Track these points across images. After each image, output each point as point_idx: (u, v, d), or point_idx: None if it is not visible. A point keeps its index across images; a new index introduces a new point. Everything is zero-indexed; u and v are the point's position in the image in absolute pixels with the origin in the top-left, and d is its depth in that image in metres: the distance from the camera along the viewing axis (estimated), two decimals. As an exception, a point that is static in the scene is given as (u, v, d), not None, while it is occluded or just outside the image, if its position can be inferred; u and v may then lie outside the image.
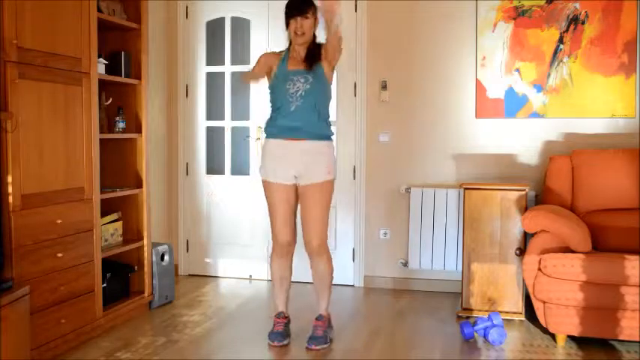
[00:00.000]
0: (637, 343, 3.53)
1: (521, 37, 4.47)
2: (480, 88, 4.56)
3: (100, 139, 3.70)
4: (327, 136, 3.49)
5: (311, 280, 3.67)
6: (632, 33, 4.28)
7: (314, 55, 3.40)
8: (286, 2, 3.41)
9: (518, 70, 4.49)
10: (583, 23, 4.36)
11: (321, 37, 3.43)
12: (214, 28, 5.14)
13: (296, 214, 3.54)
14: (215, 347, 3.56)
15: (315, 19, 3.38)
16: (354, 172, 4.84)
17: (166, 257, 4.34)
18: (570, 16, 4.38)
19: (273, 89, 3.48)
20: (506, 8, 4.48)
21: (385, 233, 4.81)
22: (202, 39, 5.15)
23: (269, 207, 3.51)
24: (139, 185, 4.12)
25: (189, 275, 5.22)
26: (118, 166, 4.11)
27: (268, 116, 3.53)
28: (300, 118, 3.38)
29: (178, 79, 5.19)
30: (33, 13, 3.11)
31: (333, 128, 4.74)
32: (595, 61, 4.35)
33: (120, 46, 4.02)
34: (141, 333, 3.75)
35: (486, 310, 3.96)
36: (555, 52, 4.42)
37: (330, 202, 3.48)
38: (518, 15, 4.46)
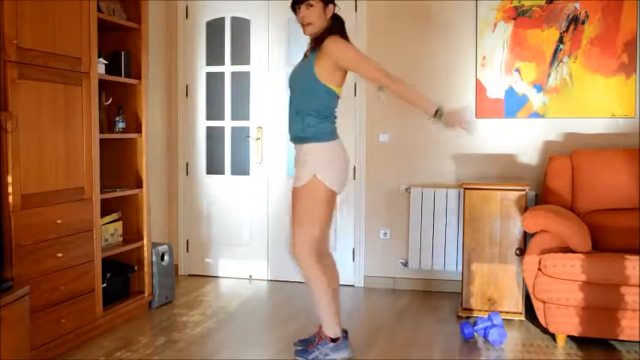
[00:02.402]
0: (637, 343, 3.53)
1: (521, 37, 4.47)
2: (480, 88, 4.56)
3: (100, 139, 3.70)
4: (308, 138, 3.15)
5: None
6: (632, 33, 4.28)
7: (313, 48, 3.15)
8: None
9: (518, 70, 4.49)
10: (583, 23, 4.36)
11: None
12: (214, 28, 5.14)
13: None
14: (215, 347, 3.56)
15: (325, 5, 3.07)
16: (354, 172, 4.83)
17: (166, 257, 4.34)
18: (570, 16, 4.38)
19: None
20: (506, 8, 4.48)
21: (385, 233, 4.81)
22: (202, 39, 5.15)
23: None
24: (139, 185, 4.12)
25: (189, 275, 5.22)
26: (118, 166, 4.11)
27: None
28: (289, 120, 3.24)
29: (178, 79, 5.19)
30: (33, 13, 3.11)
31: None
32: (595, 61, 4.35)
33: (120, 46, 4.02)
34: (141, 333, 3.75)
35: (486, 310, 3.95)
36: (555, 52, 4.42)
37: (313, 208, 3.14)
38: (518, 15, 4.46)
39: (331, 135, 3.18)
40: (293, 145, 3.28)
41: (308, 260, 3.16)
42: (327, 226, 3.30)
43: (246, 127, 5.11)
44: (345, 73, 3.16)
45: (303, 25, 3.13)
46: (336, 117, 3.24)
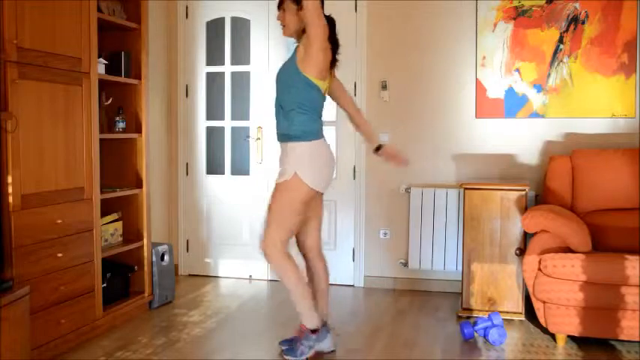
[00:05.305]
0: (637, 343, 3.53)
1: (521, 37, 4.47)
2: (480, 88, 4.56)
3: (100, 139, 3.70)
4: (294, 137, 3.20)
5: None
6: (632, 33, 4.28)
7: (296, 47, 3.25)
8: None
9: (518, 70, 4.49)
10: (583, 23, 4.36)
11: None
12: (214, 28, 5.14)
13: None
14: (215, 347, 3.56)
15: (298, 7, 3.14)
16: (354, 172, 4.84)
17: (166, 257, 4.34)
18: (570, 16, 4.38)
19: None
20: (506, 8, 4.48)
21: (385, 233, 4.81)
22: (202, 39, 5.15)
23: None
24: (139, 185, 4.12)
25: (189, 275, 5.22)
26: (118, 166, 4.11)
27: None
28: (276, 118, 3.32)
29: (178, 79, 5.19)
30: (33, 13, 3.11)
31: (332, 128, 4.80)
32: (595, 61, 4.35)
33: (120, 46, 4.02)
34: (141, 333, 3.76)
35: (486, 310, 3.96)
36: (555, 52, 4.42)
37: (285, 206, 3.18)
38: (518, 15, 4.46)
39: (316, 134, 3.23)
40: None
41: (277, 254, 3.20)
42: (318, 222, 3.40)
43: (246, 127, 5.11)
44: (322, 58, 3.11)
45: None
46: (321, 115, 3.29)
